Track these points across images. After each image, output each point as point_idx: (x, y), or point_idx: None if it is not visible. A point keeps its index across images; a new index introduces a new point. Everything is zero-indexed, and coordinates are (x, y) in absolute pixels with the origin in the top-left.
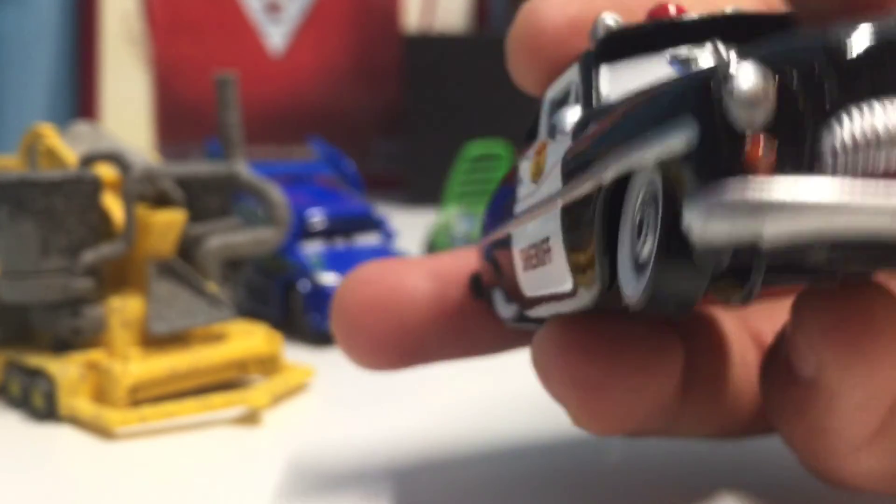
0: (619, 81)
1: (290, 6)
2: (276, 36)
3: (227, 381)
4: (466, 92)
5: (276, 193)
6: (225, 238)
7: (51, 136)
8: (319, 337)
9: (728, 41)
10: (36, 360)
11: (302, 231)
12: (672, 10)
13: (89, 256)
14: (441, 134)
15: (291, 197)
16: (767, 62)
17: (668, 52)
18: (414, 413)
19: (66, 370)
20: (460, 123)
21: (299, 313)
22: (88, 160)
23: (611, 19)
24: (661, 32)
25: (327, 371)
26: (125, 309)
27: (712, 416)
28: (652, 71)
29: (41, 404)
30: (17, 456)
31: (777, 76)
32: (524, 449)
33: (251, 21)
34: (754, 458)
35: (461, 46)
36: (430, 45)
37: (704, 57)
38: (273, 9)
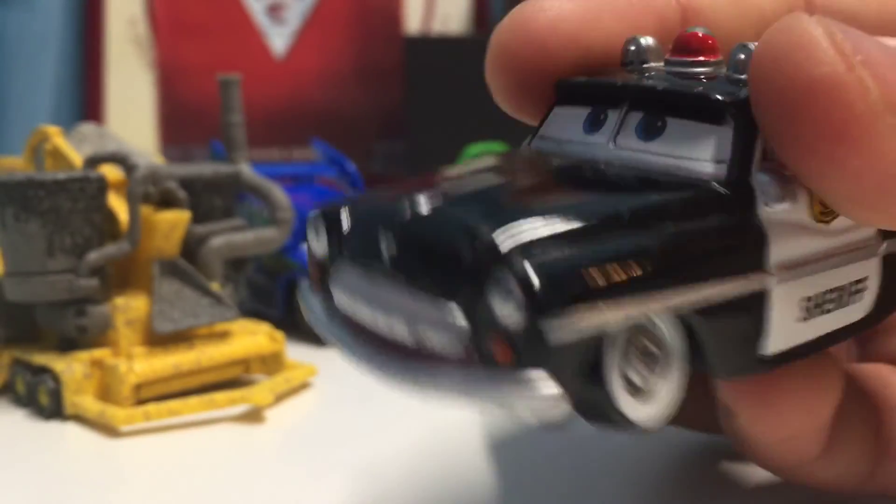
0: (556, 124)
1: (292, 8)
2: (278, 38)
3: (230, 379)
4: (467, 94)
5: (279, 194)
6: (228, 238)
7: (56, 137)
8: (321, 336)
9: (652, 109)
10: (42, 358)
11: (304, 231)
12: (700, 33)
13: (94, 256)
14: (441, 136)
15: (294, 197)
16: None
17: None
18: (416, 410)
19: (71, 368)
20: (461, 125)
21: (301, 312)
22: (94, 161)
23: (645, 40)
24: (603, 89)
25: (329, 369)
26: (130, 308)
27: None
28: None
29: (47, 402)
30: (23, 453)
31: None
32: (527, 444)
33: (254, 23)
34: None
35: (461, 48)
36: (431, 47)
37: (609, 122)
38: (275, 11)
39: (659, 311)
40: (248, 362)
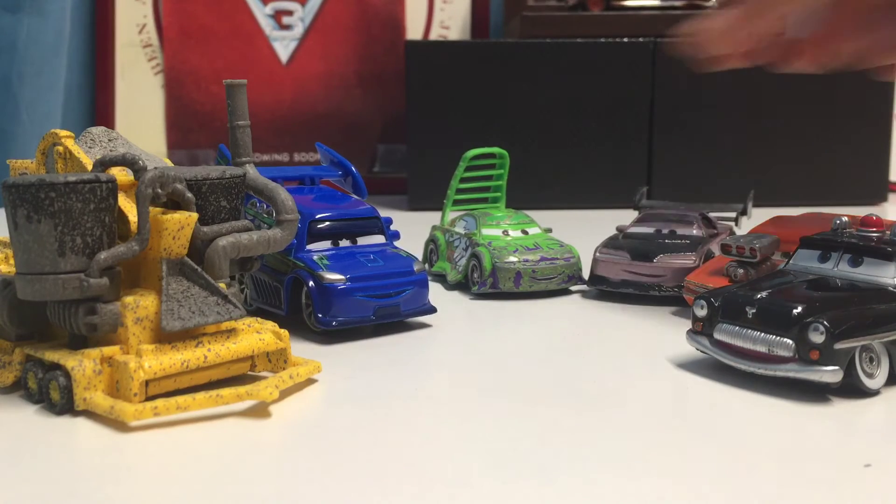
0: (802, 258)
1: (296, 15)
2: (282, 44)
3: (236, 375)
4: (467, 98)
5: (285, 195)
6: (235, 238)
7: (67, 140)
8: (325, 333)
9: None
10: (53, 355)
11: (309, 231)
12: (874, 217)
13: (104, 256)
14: (441, 140)
15: (298, 199)
16: None
17: None
18: (418, 407)
19: (82, 365)
20: (460, 128)
21: (306, 310)
22: (104, 164)
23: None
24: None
25: (333, 366)
26: (139, 306)
27: None
28: None
29: (58, 398)
30: (36, 447)
31: None
32: (527, 434)
33: (259, 30)
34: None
35: (462, 53)
36: (432, 53)
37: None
38: (280, 18)
39: (874, 340)
40: (254, 359)
